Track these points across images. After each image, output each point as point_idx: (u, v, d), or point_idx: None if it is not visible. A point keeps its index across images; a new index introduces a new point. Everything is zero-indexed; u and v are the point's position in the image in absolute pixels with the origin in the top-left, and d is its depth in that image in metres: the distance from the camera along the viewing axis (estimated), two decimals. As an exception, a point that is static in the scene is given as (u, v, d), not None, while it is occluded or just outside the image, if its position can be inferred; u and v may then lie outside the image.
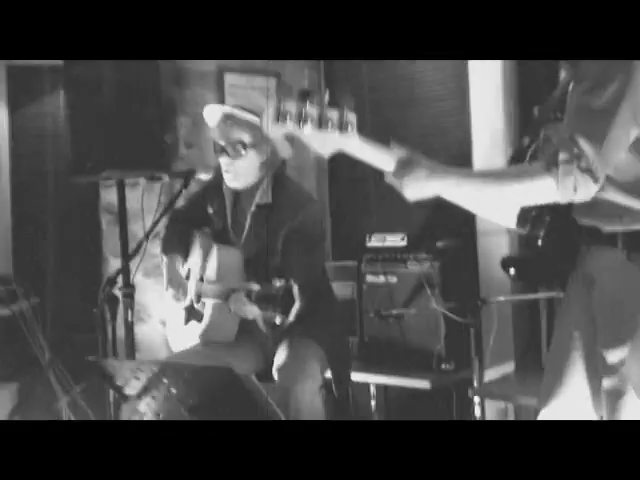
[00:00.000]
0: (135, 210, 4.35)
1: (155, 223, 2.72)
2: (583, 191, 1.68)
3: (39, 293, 4.29)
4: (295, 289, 2.26)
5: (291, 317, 2.28)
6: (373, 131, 4.47)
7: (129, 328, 3.67)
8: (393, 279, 3.58)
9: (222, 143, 2.80)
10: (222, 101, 4.33)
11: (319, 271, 2.94)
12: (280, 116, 1.59)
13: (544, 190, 1.70)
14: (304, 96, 1.60)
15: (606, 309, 1.87)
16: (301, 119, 1.58)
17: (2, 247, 4.81)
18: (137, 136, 3.88)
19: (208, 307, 2.76)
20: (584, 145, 1.66)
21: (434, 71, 4.18)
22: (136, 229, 4.39)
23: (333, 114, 1.60)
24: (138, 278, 3.70)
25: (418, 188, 1.74)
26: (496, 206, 1.89)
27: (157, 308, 4.41)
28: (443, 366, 3.36)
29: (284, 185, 2.87)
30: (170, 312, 3.13)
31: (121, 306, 3.56)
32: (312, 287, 2.72)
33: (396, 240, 3.68)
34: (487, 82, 3.73)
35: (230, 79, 4.39)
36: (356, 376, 3.35)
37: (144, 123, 3.94)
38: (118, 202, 4.10)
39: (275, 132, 1.61)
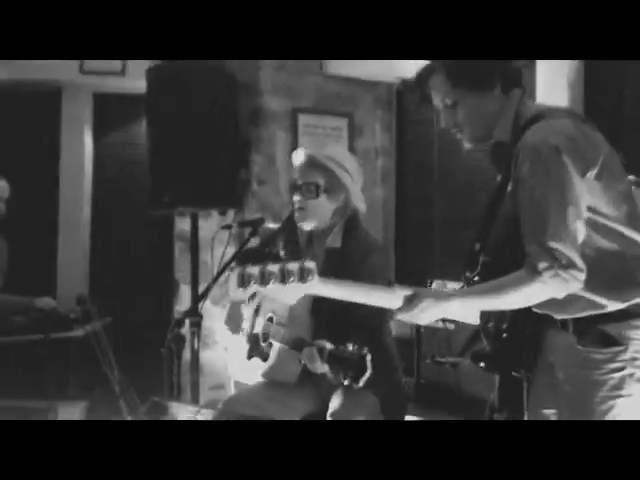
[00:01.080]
0: (206, 240, 4.55)
1: (223, 268, 2.85)
2: (574, 283, 1.83)
3: (112, 313, 4.49)
4: (368, 357, 2.30)
5: (361, 383, 2.31)
6: (440, 174, 4.59)
7: (194, 356, 3.85)
8: (451, 326, 3.66)
9: (299, 182, 2.93)
10: (295, 140, 4.50)
11: (383, 317, 3.01)
12: (245, 281, 1.73)
13: (538, 293, 1.87)
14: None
15: (565, 391, 2.01)
16: (264, 280, 1.74)
17: (80, 268, 5.06)
18: (213, 171, 4.08)
19: (275, 349, 2.87)
20: (557, 246, 1.82)
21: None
22: (207, 258, 4.58)
23: (293, 266, 1.77)
24: (206, 305, 3.86)
25: (427, 316, 1.93)
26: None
27: (223, 335, 4.58)
28: (496, 416, 3.41)
29: (355, 232, 2.98)
30: (233, 342, 3.27)
31: (188, 333, 3.75)
32: (374, 334, 2.81)
33: (456, 288, 3.76)
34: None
35: (304, 119, 4.55)
36: (411, 419, 3.43)
37: (220, 159, 4.14)
38: (191, 235, 4.30)
39: (240, 296, 1.76)
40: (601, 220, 1.93)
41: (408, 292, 1.94)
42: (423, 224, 4.73)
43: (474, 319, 2.09)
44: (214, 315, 4.38)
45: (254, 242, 3.21)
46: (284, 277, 1.77)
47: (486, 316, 2.07)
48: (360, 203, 2.98)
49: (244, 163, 4.36)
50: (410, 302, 1.93)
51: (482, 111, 2.06)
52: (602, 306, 1.94)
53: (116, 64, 4.84)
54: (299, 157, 2.99)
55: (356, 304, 2.74)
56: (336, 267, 2.85)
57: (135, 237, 5.07)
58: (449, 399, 3.60)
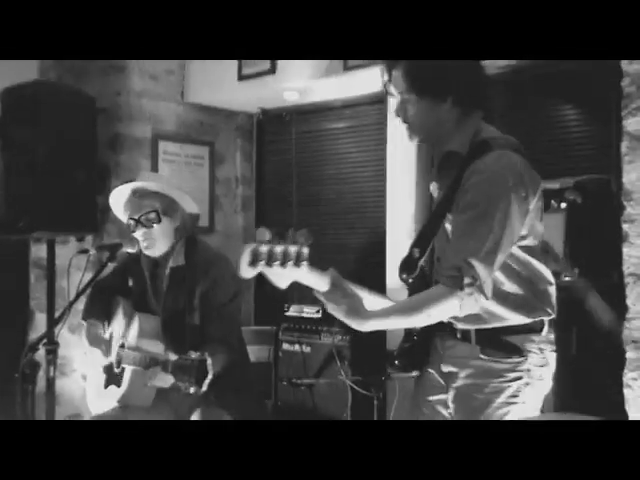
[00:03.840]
0: (64, 266, 4.45)
1: (79, 294, 2.85)
2: (476, 306, 1.97)
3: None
4: (209, 361, 2.40)
5: (204, 387, 2.41)
6: (299, 203, 4.73)
7: (50, 384, 3.76)
8: (307, 349, 3.79)
9: (136, 216, 2.95)
10: (156, 167, 4.51)
11: (235, 329, 3.07)
12: (255, 261, 1.69)
13: (450, 309, 1.97)
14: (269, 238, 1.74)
15: (464, 396, 2.15)
16: (271, 260, 1.70)
17: None
18: (70, 197, 4.03)
19: (127, 373, 2.88)
20: (480, 269, 1.94)
21: (358, 153, 4.48)
22: (64, 284, 4.48)
23: (293, 250, 1.73)
24: (63, 333, 3.80)
25: (351, 324, 1.93)
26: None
27: (80, 363, 4.50)
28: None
29: (195, 246, 3.04)
30: (91, 373, 3.24)
31: (44, 361, 3.67)
32: (229, 346, 2.88)
33: (312, 312, 3.92)
34: (403, 167, 4.02)
35: (164, 146, 4.58)
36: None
37: (78, 185, 4.09)
38: (47, 261, 4.21)
39: (248, 273, 1.75)
40: (519, 251, 2.08)
41: (336, 280, 1.92)
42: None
43: None
44: (72, 343, 4.31)
45: (111, 267, 3.21)
46: (285, 260, 1.72)
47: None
48: (193, 209, 3.06)
49: (103, 189, 4.32)
50: (341, 306, 1.91)
51: (430, 118, 2.14)
52: (505, 320, 2.09)
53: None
54: (123, 195, 3.00)
55: (208, 322, 2.85)
56: (183, 284, 2.92)
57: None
58: (304, 419, 3.71)
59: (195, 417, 2.87)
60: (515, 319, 2.10)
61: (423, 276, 2.18)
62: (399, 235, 3.91)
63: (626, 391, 2.93)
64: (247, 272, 1.72)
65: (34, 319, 4.71)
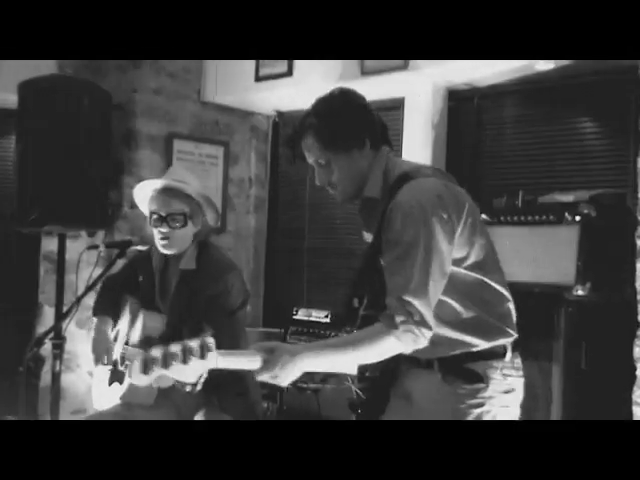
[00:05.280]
0: (74, 261, 4.44)
1: (88, 289, 2.84)
2: (421, 340, 1.91)
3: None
4: None
5: (199, 387, 2.39)
6: (312, 206, 4.68)
7: (55, 378, 3.76)
8: (314, 353, 3.77)
9: (162, 213, 2.94)
10: (170, 165, 4.51)
11: (238, 338, 3.06)
12: (147, 368, 1.73)
13: (390, 347, 1.92)
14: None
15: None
16: (166, 363, 1.74)
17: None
18: (83, 192, 4.02)
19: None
20: (414, 303, 1.90)
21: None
22: (73, 279, 4.47)
23: (194, 344, 1.76)
24: (71, 328, 3.81)
25: (288, 373, 1.89)
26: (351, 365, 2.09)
27: (87, 358, 4.50)
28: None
29: (208, 252, 3.02)
30: (97, 371, 3.23)
31: (50, 356, 3.67)
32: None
33: (320, 317, 3.90)
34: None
35: (179, 145, 4.58)
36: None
37: (91, 180, 4.09)
38: (58, 255, 4.21)
39: (144, 382, 1.75)
40: (462, 271, 2.02)
41: (264, 352, 1.90)
42: (293, 253, 4.84)
43: (349, 369, 2.11)
44: (78, 338, 4.31)
45: (121, 264, 3.21)
46: (185, 356, 1.76)
47: (363, 366, 2.10)
48: (214, 221, 3.05)
49: (116, 185, 4.33)
50: (269, 362, 1.89)
51: (354, 169, 2.10)
52: (473, 345, 2.04)
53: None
54: (153, 188, 2.96)
55: (214, 327, 2.83)
56: (191, 288, 2.90)
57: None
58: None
59: (198, 418, 2.86)
60: (476, 342, 2.04)
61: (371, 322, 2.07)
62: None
63: (635, 409, 2.90)
64: (141, 380, 1.73)
65: (42, 313, 4.71)
